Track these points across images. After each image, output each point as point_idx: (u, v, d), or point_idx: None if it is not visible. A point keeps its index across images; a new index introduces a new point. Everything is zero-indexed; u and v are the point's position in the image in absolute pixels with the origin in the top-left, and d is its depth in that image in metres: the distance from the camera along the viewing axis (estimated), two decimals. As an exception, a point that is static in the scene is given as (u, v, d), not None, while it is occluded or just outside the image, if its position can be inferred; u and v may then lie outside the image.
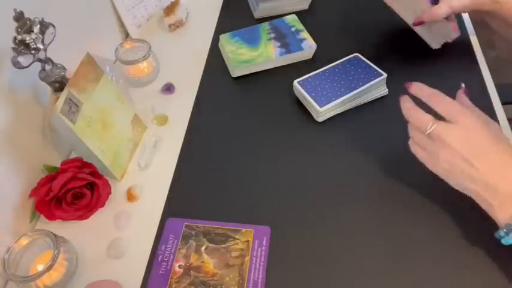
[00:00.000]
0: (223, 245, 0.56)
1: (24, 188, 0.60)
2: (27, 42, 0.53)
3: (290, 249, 0.56)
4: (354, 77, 0.71)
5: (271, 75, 0.79)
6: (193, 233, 0.58)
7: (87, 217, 0.60)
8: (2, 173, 0.57)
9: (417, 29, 0.74)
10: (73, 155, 0.69)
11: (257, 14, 0.90)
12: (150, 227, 0.59)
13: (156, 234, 0.58)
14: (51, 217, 0.58)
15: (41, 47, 0.55)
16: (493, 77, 0.74)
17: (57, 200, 0.58)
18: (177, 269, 0.55)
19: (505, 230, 0.47)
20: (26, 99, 0.61)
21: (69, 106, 0.57)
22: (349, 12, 0.90)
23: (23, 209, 0.60)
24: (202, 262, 0.55)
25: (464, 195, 0.51)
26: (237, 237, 0.57)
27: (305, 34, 0.81)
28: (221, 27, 0.89)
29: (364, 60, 0.73)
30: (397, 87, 0.72)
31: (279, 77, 0.77)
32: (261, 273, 0.54)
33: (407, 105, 0.53)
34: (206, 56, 0.84)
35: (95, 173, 0.60)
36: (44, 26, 0.55)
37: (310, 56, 0.81)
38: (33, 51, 0.54)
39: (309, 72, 0.72)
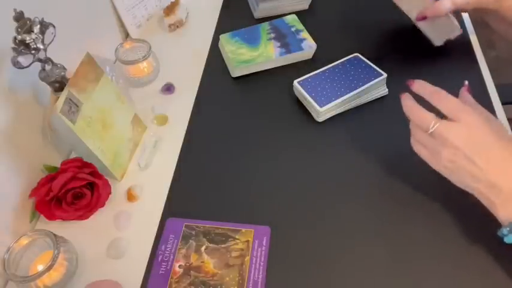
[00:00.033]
0: (223, 245, 0.56)
1: (24, 188, 0.60)
2: (27, 42, 0.53)
3: (290, 249, 0.56)
4: (354, 77, 0.71)
5: (271, 75, 0.79)
6: (193, 233, 0.58)
7: (87, 217, 0.60)
8: (2, 173, 0.57)
9: (420, 26, 0.74)
10: (73, 155, 0.69)
11: (257, 14, 0.90)
12: (150, 227, 0.59)
13: (156, 234, 0.58)
14: (51, 217, 0.58)
15: (41, 47, 0.55)
16: (493, 77, 0.74)
17: (57, 200, 0.58)
18: (177, 269, 0.55)
19: (508, 228, 0.47)
20: (26, 99, 0.61)
21: (69, 106, 0.57)
22: (349, 12, 0.90)
23: (23, 209, 0.60)
24: (202, 262, 0.55)
25: (464, 194, 0.51)
26: (237, 237, 0.57)
27: (305, 34, 0.81)
28: (221, 27, 0.89)
29: (364, 60, 0.73)
30: (397, 87, 0.72)
31: (279, 77, 0.77)
32: (261, 273, 0.54)
33: (408, 103, 0.53)
34: (206, 56, 0.84)
35: (95, 173, 0.60)
36: (44, 26, 0.55)
37: (310, 56, 0.81)
38: (33, 51, 0.54)
39: (309, 72, 0.72)
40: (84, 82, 0.60)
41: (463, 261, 0.53)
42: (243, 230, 0.58)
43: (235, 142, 0.69)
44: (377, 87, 0.71)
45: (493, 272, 0.52)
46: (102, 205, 0.60)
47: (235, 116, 0.73)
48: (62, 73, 0.59)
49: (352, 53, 0.75)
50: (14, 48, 0.52)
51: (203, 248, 0.56)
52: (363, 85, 0.69)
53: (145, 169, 0.67)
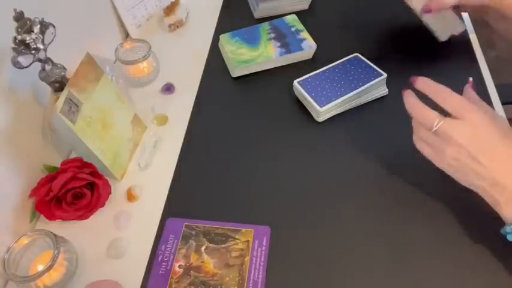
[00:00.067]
0: (223, 245, 0.56)
1: (24, 188, 0.60)
2: (27, 42, 0.53)
3: (290, 249, 0.56)
4: (354, 77, 0.71)
5: (271, 75, 0.79)
6: (193, 233, 0.58)
7: (87, 217, 0.60)
8: (2, 173, 0.57)
9: (426, 20, 0.73)
10: (73, 155, 0.69)
11: (257, 14, 0.90)
12: (150, 227, 0.59)
13: (156, 234, 0.58)
14: (51, 217, 0.58)
15: (41, 47, 0.55)
16: (493, 77, 0.74)
17: (57, 200, 0.58)
18: (177, 269, 0.55)
19: (511, 227, 0.47)
20: (26, 99, 0.61)
21: (69, 106, 0.57)
22: (349, 12, 0.90)
23: (23, 209, 0.60)
24: (202, 262, 0.55)
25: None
26: (237, 237, 0.57)
27: (305, 34, 0.81)
28: (221, 27, 0.89)
29: (364, 60, 0.73)
30: (397, 87, 0.72)
31: (279, 77, 0.77)
32: (261, 273, 0.54)
33: (411, 101, 0.52)
34: (206, 56, 0.84)
35: (95, 173, 0.60)
36: (44, 26, 0.55)
37: (310, 56, 0.81)
38: (33, 51, 0.54)
39: (309, 72, 0.72)
40: (84, 82, 0.60)
41: (464, 260, 0.53)
42: (243, 230, 0.58)
43: (235, 142, 0.69)
44: (377, 87, 0.71)
45: (496, 271, 0.52)
46: (102, 205, 0.60)
47: (235, 116, 0.73)
48: (62, 73, 0.59)
49: (352, 53, 0.75)
50: (14, 48, 0.52)
51: (203, 248, 0.56)
52: (363, 85, 0.69)
53: (145, 169, 0.67)
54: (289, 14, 0.87)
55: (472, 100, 0.51)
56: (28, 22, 0.53)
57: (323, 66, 0.73)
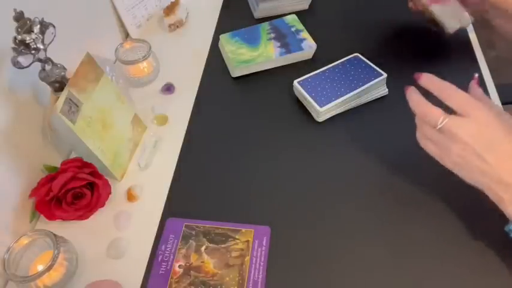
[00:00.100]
0: (223, 245, 0.56)
1: (24, 188, 0.60)
2: (27, 42, 0.53)
3: (290, 249, 0.56)
4: (354, 77, 0.71)
5: (271, 75, 0.79)
6: (193, 233, 0.58)
7: (87, 217, 0.60)
8: (2, 173, 0.57)
9: (435, 11, 0.73)
10: (73, 155, 0.69)
11: (257, 14, 0.90)
12: (150, 227, 0.59)
13: (156, 234, 0.58)
14: (51, 217, 0.58)
15: (41, 47, 0.55)
16: (493, 77, 0.74)
17: (57, 200, 0.58)
18: (177, 269, 0.55)
19: None
20: (26, 99, 0.61)
21: (69, 106, 0.57)
22: (349, 12, 0.90)
23: (23, 209, 0.60)
24: (202, 262, 0.55)
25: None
26: (237, 237, 0.57)
27: (305, 34, 0.81)
28: (221, 27, 0.89)
29: (364, 60, 0.73)
30: (397, 87, 0.72)
31: (279, 77, 0.77)
32: (261, 273, 0.54)
33: (414, 98, 0.51)
34: (206, 56, 0.84)
35: (95, 173, 0.60)
36: (44, 26, 0.55)
37: (310, 56, 0.81)
38: (33, 51, 0.54)
39: (309, 72, 0.72)
40: (84, 82, 0.60)
41: (464, 260, 0.53)
42: (243, 230, 0.58)
43: (235, 142, 0.69)
44: (377, 87, 0.71)
45: (496, 271, 0.52)
46: (102, 205, 0.60)
47: (235, 116, 0.73)
48: (62, 73, 0.59)
49: (352, 53, 0.75)
50: (14, 48, 0.52)
51: (203, 248, 0.56)
52: (363, 85, 0.69)
53: (145, 169, 0.67)
54: (289, 14, 0.87)
55: (477, 97, 0.50)
56: (28, 22, 0.53)
57: (323, 66, 0.73)
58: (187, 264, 0.55)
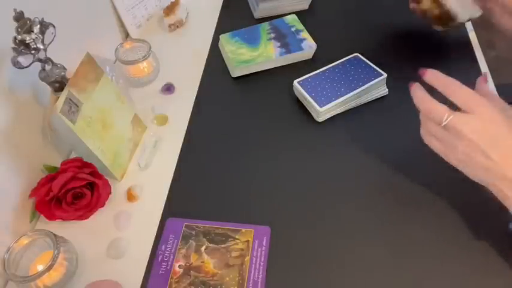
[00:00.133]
0: (223, 245, 0.56)
1: (24, 188, 0.60)
2: (27, 42, 0.53)
3: (290, 249, 0.56)
4: (354, 77, 0.71)
5: (271, 75, 0.79)
6: (193, 233, 0.58)
7: (87, 217, 0.60)
8: (2, 173, 0.57)
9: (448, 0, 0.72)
10: (73, 155, 0.69)
11: (257, 14, 0.90)
12: (150, 227, 0.59)
13: (156, 234, 0.58)
14: (51, 217, 0.58)
15: (41, 47, 0.55)
16: (493, 77, 0.74)
17: (57, 200, 0.58)
18: (177, 269, 0.55)
19: None
20: (26, 99, 0.61)
21: (69, 106, 0.57)
22: (349, 12, 0.90)
23: (23, 209, 0.60)
24: (202, 262, 0.55)
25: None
26: (237, 237, 0.57)
27: (305, 34, 0.81)
28: (221, 27, 0.89)
29: (364, 60, 0.73)
30: (397, 87, 0.72)
31: (279, 77, 0.77)
32: (261, 273, 0.54)
33: (419, 94, 0.50)
34: (206, 56, 0.84)
35: (95, 173, 0.60)
36: (44, 26, 0.55)
37: (310, 56, 0.81)
38: (33, 51, 0.54)
39: (309, 72, 0.72)
40: (84, 82, 0.60)
41: (465, 260, 0.53)
42: (243, 230, 0.58)
43: (235, 142, 0.69)
44: (377, 87, 0.71)
45: (497, 271, 0.52)
46: (102, 205, 0.60)
47: (235, 116, 0.73)
48: (62, 73, 0.59)
49: (352, 53, 0.75)
50: (14, 48, 0.52)
51: (203, 248, 0.56)
52: (363, 85, 0.69)
53: (145, 169, 0.67)
54: (289, 14, 0.87)
55: (483, 92, 0.50)
56: (28, 22, 0.53)
57: (323, 66, 0.73)
58: (187, 264, 0.55)
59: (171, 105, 0.75)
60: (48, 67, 0.57)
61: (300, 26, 0.83)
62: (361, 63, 0.73)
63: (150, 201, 0.62)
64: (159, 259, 0.56)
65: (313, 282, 0.53)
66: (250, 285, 0.53)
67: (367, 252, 0.55)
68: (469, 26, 0.83)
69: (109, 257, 0.57)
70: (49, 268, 0.50)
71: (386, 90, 0.72)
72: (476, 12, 0.72)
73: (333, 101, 0.68)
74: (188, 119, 0.73)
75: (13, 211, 0.58)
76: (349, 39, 0.83)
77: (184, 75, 0.80)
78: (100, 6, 0.81)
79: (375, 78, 0.70)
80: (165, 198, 0.62)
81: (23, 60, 0.53)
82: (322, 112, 0.68)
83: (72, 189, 0.58)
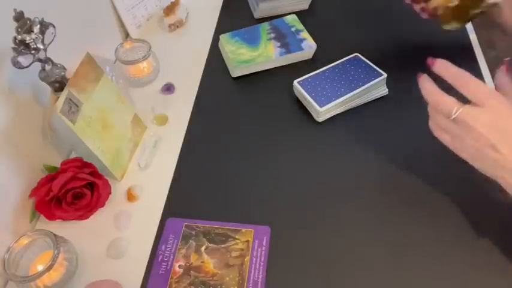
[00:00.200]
0: (223, 245, 0.56)
1: (24, 188, 0.60)
2: (27, 42, 0.53)
3: (290, 249, 0.56)
4: (354, 77, 0.71)
5: (271, 75, 0.79)
6: (193, 233, 0.58)
7: (87, 217, 0.60)
8: (2, 173, 0.57)
9: None
10: (73, 155, 0.69)
11: (257, 14, 0.90)
12: (150, 227, 0.59)
13: (156, 234, 0.58)
14: (51, 217, 0.58)
15: (41, 47, 0.55)
16: (493, 77, 0.74)
17: (57, 200, 0.58)
18: (177, 269, 0.55)
19: None
20: (26, 99, 0.61)
21: (69, 106, 0.57)
22: (349, 12, 0.90)
23: (23, 209, 0.60)
24: (202, 262, 0.55)
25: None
26: (237, 237, 0.57)
27: (305, 34, 0.81)
28: (221, 27, 0.89)
29: (364, 60, 0.73)
30: (397, 87, 0.72)
31: (279, 77, 0.77)
32: (261, 273, 0.54)
33: (427, 87, 0.49)
34: (206, 56, 0.84)
35: (95, 173, 0.60)
36: (44, 26, 0.55)
37: (310, 56, 0.81)
38: (33, 51, 0.54)
39: (309, 72, 0.72)
40: (84, 82, 0.60)
41: (465, 260, 0.53)
42: (243, 230, 0.58)
43: (235, 142, 0.69)
44: (377, 87, 0.71)
45: (497, 271, 0.52)
46: (102, 205, 0.60)
47: (235, 116, 0.73)
48: (62, 73, 0.59)
49: (352, 53, 0.75)
50: (14, 48, 0.52)
51: (203, 248, 0.56)
52: (363, 85, 0.69)
53: (145, 169, 0.67)
54: (289, 14, 0.87)
55: (501, 83, 0.48)
56: (28, 22, 0.53)
57: (323, 66, 0.73)
58: (187, 264, 0.55)
59: (171, 105, 0.75)
60: (48, 67, 0.57)
61: (300, 26, 0.83)
62: (361, 63, 0.73)
63: (150, 201, 0.62)
64: (159, 259, 0.56)
65: (313, 282, 0.53)
66: (250, 285, 0.53)
67: (367, 252, 0.55)
68: (469, 27, 0.83)
69: (109, 257, 0.57)
70: (49, 268, 0.50)
71: (386, 90, 0.72)
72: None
73: (333, 101, 0.68)
74: (188, 119, 0.73)
75: (13, 211, 0.58)
76: (349, 39, 0.83)
77: (184, 75, 0.80)
78: (100, 6, 0.81)
79: (375, 78, 0.70)
80: (165, 198, 0.62)
81: (23, 60, 0.53)
82: (322, 112, 0.68)
83: (72, 189, 0.58)
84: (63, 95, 0.56)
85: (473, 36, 0.81)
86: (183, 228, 0.58)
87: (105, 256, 0.57)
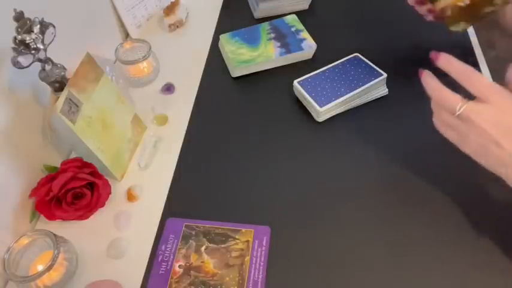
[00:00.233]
0: (223, 245, 0.56)
1: (24, 188, 0.60)
2: (27, 42, 0.53)
3: (290, 249, 0.56)
4: (354, 77, 0.71)
5: (271, 75, 0.79)
6: (193, 233, 0.58)
7: (87, 217, 0.60)
8: (2, 173, 0.57)
9: None
10: (73, 155, 0.69)
11: (257, 14, 0.90)
12: (150, 227, 0.59)
13: (156, 234, 0.58)
14: (51, 217, 0.58)
15: (41, 47, 0.55)
16: (493, 77, 0.74)
17: (57, 200, 0.58)
18: (177, 269, 0.55)
19: None
20: (26, 99, 0.61)
21: (69, 106, 0.57)
22: (349, 12, 0.90)
23: (23, 209, 0.60)
24: (202, 262, 0.55)
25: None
26: (237, 237, 0.57)
27: (305, 34, 0.81)
28: (221, 27, 0.89)
29: (364, 60, 0.73)
30: (397, 87, 0.72)
31: (279, 77, 0.77)
32: (261, 273, 0.54)
33: (431, 83, 0.49)
34: (206, 56, 0.84)
35: (95, 173, 0.60)
36: (44, 26, 0.55)
37: (310, 56, 0.81)
38: (33, 51, 0.54)
39: (309, 72, 0.72)
40: (84, 82, 0.60)
41: (464, 260, 0.53)
42: (243, 230, 0.58)
43: (235, 142, 0.69)
44: (377, 87, 0.71)
45: (497, 271, 0.52)
46: (102, 205, 0.60)
47: (235, 116, 0.73)
48: (62, 73, 0.59)
49: (352, 53, 0.75)
50: (14, 48, 0.52)
51: (203, 248, 0.56)
52: (363, 85, 0.69)
53: (145, 169, 0.67)
54: (289, 14, 0.87)
55: (510, 79, 0.48)
56: (28, 22, 0.53)
57: (323, 66, 0.73)
58: (187, 264, 0.55)
59: (171, 105, 0.75)
60: (48, 67, 0.57)
61: (300, 26, 0.83)
62: (361, 63, 0.73)
63: (150, 201, 0.62)
64: (159, 259, 0.56)
65: (313, 282, 0.53)
66: (250, 285, 0.53)
67: (367, 252, 0.55)
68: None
69: (109, 257, 0.57)
70: (49, 268, 0.50)
71: (386, 90, 0.72)
72: None
73: (333, 101, 0.68)
74: (188, 119, 0.73)
75: (13, 211, 0.58)
76: (349, 39, 0.83)
77: (184, 75, 0.80)
78: (100, 6, 0.81)
79: (375, 78, 0.70)
80: (165, 198, 0.62)
81: (23, 60, 0.53)
82: (322, 112, 0.68)
83: (72, 189, 0.58)
84: (63, 95, 0.56)
85: (473, 37, 0.81)
86: (183, 228, 0.58)
87: (105, 256, 0.57)
